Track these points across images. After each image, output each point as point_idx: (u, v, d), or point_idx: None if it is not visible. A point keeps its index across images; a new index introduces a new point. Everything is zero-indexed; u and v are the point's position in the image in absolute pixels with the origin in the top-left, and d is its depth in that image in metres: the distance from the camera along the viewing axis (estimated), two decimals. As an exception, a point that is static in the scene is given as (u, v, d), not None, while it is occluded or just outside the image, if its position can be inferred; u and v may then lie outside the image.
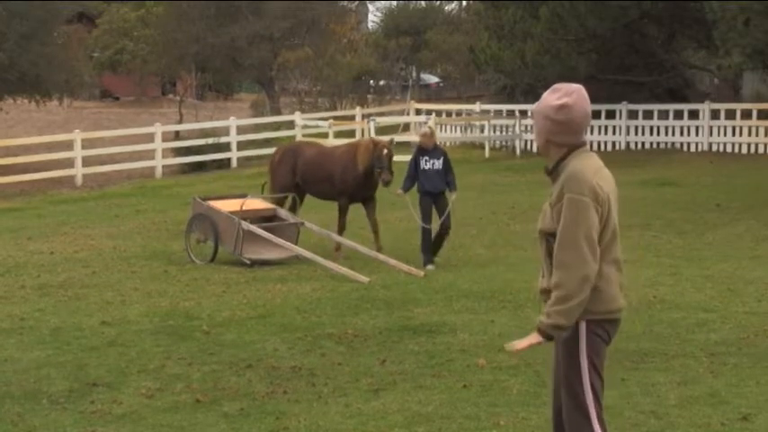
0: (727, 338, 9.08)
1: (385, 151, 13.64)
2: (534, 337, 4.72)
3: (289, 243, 13.66)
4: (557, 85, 4.82)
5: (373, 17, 61.75)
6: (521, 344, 4.74)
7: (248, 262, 13.45)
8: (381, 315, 10.42)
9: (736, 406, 7.14)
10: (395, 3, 57.89)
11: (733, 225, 15.94)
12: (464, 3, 53.48)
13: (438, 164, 13.20)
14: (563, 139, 4.78)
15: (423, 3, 57.96)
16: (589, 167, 4.72)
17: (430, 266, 12.97)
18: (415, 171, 13.27)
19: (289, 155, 14.82)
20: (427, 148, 13.31)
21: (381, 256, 13.13)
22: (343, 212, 14.32)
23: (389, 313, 10.48)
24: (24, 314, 10.74)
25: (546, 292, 4.78)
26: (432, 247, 13.23)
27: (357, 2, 50.87)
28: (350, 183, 14.05)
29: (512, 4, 29.20)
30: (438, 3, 58.17)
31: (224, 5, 39.44)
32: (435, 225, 13.22)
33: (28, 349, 9.27)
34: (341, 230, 14.26)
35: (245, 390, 7.86)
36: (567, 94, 4.76)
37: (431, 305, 10.84)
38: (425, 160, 13.19)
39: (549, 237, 4.75)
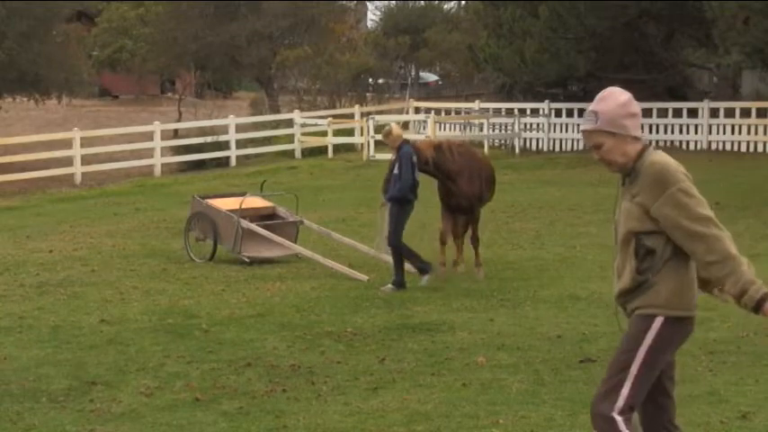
0: (726, 337, 9.08)
1: None
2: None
3: (288, 241, 13.66)
4: (602, 93, 4.83)
5: (372, 16, 61.85)
6: None
7: (247, 260, 13.45)
8: (381, 313, 10.42)
9: (736, 404, 7.14)
10: (394, 2, 57.91)
11: (732, 223, 15.86)
12: (463, 2, 53.46)
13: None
14: (639, 132, 4.79)
15: (422, 2, 57.98)
16: (671, 159, 4.72)
17: (424, 278, 11.92)
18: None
19: None
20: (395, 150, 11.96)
21: (381, 255, 13.09)
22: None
23: (389, 312, 10.48)
24: (23, 312, 10.74)
25: (625, 294, 4.72)
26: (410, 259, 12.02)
27: (356, 1, 50.84)
28: None
29: (511, 3, 29.22)
30: (437, 1, 58.19)
31: (223, 4, 39.43)
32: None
33: (27, 348, 9.26)
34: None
35: (244, 388, 7.85)
36: (621, 91, 4.83)
37: (430, 304, 10.84)
38: (395, 163, 11.91)
39: (640, 235, 4.67)
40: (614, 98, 4.79)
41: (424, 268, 11.91)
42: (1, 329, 9.99)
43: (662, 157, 4.72)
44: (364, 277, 12.15)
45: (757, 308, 4.51)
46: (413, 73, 53.36)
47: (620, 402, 4.62)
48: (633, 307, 4.71)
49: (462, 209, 12.52)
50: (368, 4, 59.63)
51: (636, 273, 4.68)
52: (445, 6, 57.76)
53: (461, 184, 12.31)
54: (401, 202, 11.78)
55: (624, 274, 4.74)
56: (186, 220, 14.34)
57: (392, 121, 31.28)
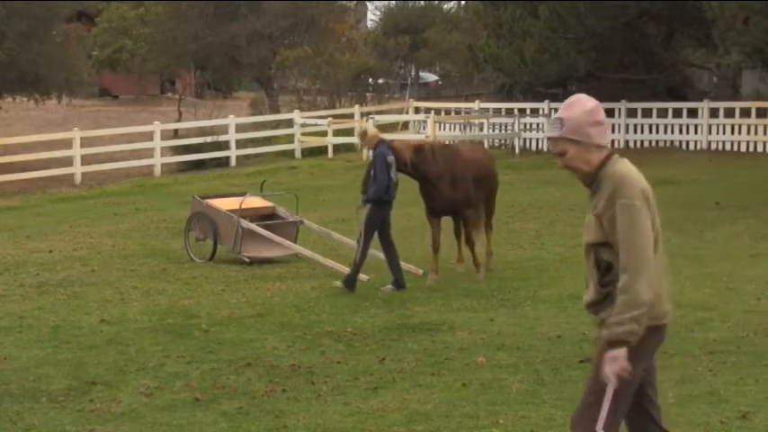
0: (726, 337, 9.08)
1: None
2: (617, 353, 4.49)
3: (288, 241, 13.66)
4: (569, 100, 4.77)
5: (372, 16, 61.84)
6: (605, 369, 4.53)
7: (247, 260, 13.45)
8: (380, 313, 10.42)
9: (736, 404, 7.14)
10: (394, 2, 57.90)
11: (732, 223, 15.93)
12: (463, 2, 53.46)
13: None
14: (606, 140, 4.74)
15: (422, 2, 57.98)
16: (633, 171, 4.68)
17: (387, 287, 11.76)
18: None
19: None
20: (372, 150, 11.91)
21: (381, 255, 13.09)
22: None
23: (389, 311, 10.48)
24: (23, 312, 10.74)
25: (593, 305, 4.72)
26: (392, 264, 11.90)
27: (356, 1, 50.84)
28: None
29: (511, 3, 29.21)
30: (437, 1, 58.19)
31: (223, 4, 39.43)
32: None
33: (27, 347, 9.27)
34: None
35: (244, 388, 7.86)
36: (588, 98, 4.75)
37: (430, 304, 10.84)
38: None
39: (597, 248, 4.66)
40: (581, 105, 4.71)
41: (350, 281, 11.67)
42: (1, 329, 9.99)
43: (624, 168, 4.68)
44: (364, 277, 12.14)
45: (610, 344, 4.52)
46: (413, 73, 53.35)
47: (602, 419, 4.61)
48: (602, 318, 4.69)
49: (445, 212, 12.41)
50: (368, 4, 59.66)
51: (599, 285, 4.68)
52: (445, 6, 57.79)
53: (442, 187, 12.12)
54: (377, 204, 11.72)
55: (590, 286, 4.74)
56: (186, 220, 14.34)
57: (393, 120, 31.42)
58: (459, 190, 12.21)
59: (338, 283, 11.64)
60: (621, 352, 4.50)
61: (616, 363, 4.50)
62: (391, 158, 11.71)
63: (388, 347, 9.04)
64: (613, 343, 4.52)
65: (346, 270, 12.35)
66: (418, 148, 12.25)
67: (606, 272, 4.65)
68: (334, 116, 31.32)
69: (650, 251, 4.56)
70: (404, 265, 12.64)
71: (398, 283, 11.63)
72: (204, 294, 11.60)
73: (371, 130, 12.21)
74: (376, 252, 12.68)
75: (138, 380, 8.14)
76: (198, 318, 10.38)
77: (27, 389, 7.94)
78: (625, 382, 4.57)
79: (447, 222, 13.08)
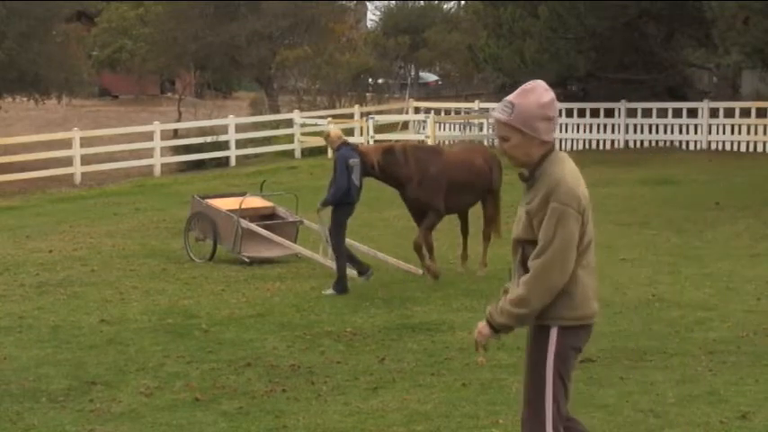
0: (726, 337, 9.08)
1: None
2: (485, 328, 4.67)
3: (288, 241, 13.66)
4: (526, 86, 4.65)
5: (372, 16, 61.85)
6: (479, 340, 4.72)
7: (247, 260, 13.45)
8: (380, 313, 10.42)
9: (736, 404, 7.14)
10: (394, 2, 57.90)
11: (732, 223, 15.93)
12: (462, 2, 53.46)
13: None
14: (551, 136, 4.66)
15: (422, 2, 57.98)
16: (571, 173, 4.62)
17: (353, 274, 11.92)
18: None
19: None
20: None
21: (380, 255, 13.10)
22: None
23: (388, 311, 10.48)
24: (23, 312, 10.74)
25: None
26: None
27: (356, 1, 50.85)
28: None
29: (510, 3, 29.20)
30: (437, 1, 58.18)
31: (223, 4, 39.44)
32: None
33: (27, 347, 9.27)
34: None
35: (243, 388, 7.85)
36: (545, 90, 4.65)
37: (430, 303, 10.84)
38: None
39: (525, 244, 4.63)
40: (536, 96, 4.61)
41: (361, 270, 11.95)
42: (1, 329, 9.99)
43: (561, 170, 4.61)
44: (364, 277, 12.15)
45: (489, 323, 4.66)
46: (412, 73, 53.35)
47: (549, 421, 4.65)
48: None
49: (415, 213, 12.27)
50: (368, 4, 59.68)
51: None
52: (445, 6, 57.77)
53: (409, 188, 12.02)
54: (337, 206, 11.69)
55: (516, 283, 4.68)
56: (186, 220, 14.34)
57: (392, 120, 31.43)
58: (425, 189, 11.99)
59: (330, 291, 11.54)
60: (487, 328, 4.66)
61: (480, 334, 4.69)
62: (354, 161, 11.64)
63: (388, 347, 9.04)
64: (490, 324, 4.65)
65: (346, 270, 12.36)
66: (388, 150, 12.15)
67: None
68: (334, 116, 31.31)
69: (564, 261, 4.51)
70: (403, 265, 12.66)
71: (341, 288, 11.51)
72: (204, 294, 11.61)
73: (334, 131, 12.18)
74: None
75: (138, 380, 8.13)
76: (198, 318, 10.38)
77: (27, 389, 7.94)
78: (561, 375, 4.63)
79: (446, 223, 13.09)
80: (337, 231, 11.79)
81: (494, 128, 4.78)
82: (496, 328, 4.65)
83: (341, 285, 11.57)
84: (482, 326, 4.69)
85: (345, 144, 11.87)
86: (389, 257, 12.98)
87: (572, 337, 4.65)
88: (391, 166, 12.00)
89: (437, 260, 12.26)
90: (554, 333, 4.62)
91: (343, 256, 11.79)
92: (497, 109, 4.69)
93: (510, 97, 4.66)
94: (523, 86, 4.67)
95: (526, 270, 4.60)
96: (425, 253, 12.06)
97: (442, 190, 12.04)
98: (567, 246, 4.52)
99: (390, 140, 24.09)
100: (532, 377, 4.69)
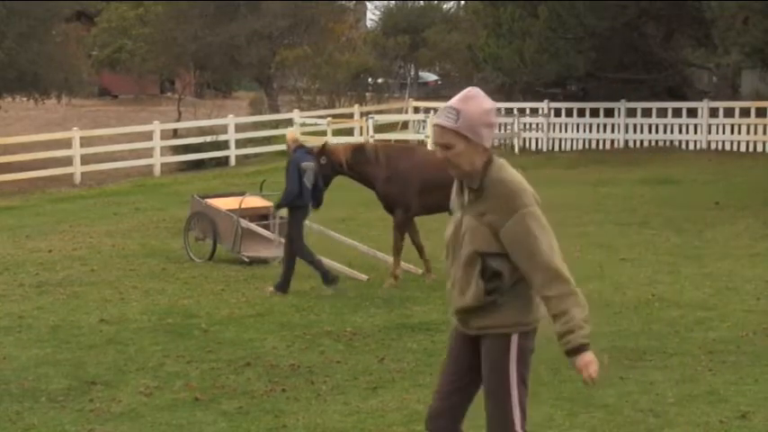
0: (725, 336, 9.09)
1: None
2: (592, 360, 4.60)
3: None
4: (467, 92, 4.59)
5: (372, 15, 61.80)
6: (594, 374, 4.62)
7: (247, 260, 13.45)
8: (380, 313, 10.42)
9: (735, 404, 7.15)
10: (393, 2, 57.88)
11: (732, 223, 15.93)
12: (462, 2, 53.44)
13: None
14: (490, 143, 4.62)
15: (421, 1, 57.94)
16: (517, 175, 4.62)
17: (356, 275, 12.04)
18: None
19: None
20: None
21: (380, 254, 13.09)
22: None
23: (388, 311, 10.49)
24: (23, 312, 10.74)
25: (469, 312, 4.66)
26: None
27: (356, 1, 50.84)
28: None
29: (510, 3, 29.20)
30: (436, 1, 58.15)
31: (223, 4, 39.43)
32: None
33: (27, 347, 9.27)
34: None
35: (243, 388, 7.86)
36: (485, 96, 4.61)
37: (429, 303, 10.84)
38: None
39: (486, 256, 4.56)
40: (479, 102, 4.56)
41: (326, 276, 11.61)
42: (0, 329, 9.99)
43: (512, 175, 4.59)
44: (364, 277, 12.15)
45: (572, 353, 4.59)
46: (412, 73, 53.33)
47: (518, 424, 4.69)
48: (481, 325, 4.67)
49: (387, 210, 12.22)
50: (367, 3, 59.62)
51: (483, 294, 4.60)
52: (444, 6, 57.70)
53: (378, 185, 11.98)
54: (291, 209, 11.69)
55: (468, 293, 4.63)
56: (186, 219, 14.34)
57: (392, 120, 31.42)
58: (393, 186, 11.89)
59: (270, 288, 11.51)
60: (590, 354, 4.59)
61: (593, 364, 4.58)
62: (306, 164, 11.64)
63: (388, 347, 9.05)
64: (579, 349, 4.58)
65: (345, 270, 12.36)
66: (358, 149, 12.21)
67: (492, 279, 4.58)
68: (334, 116, 31.32)
69: (555, 249, 4.58)
70: (403, 264, 12.63)
71: (282, 287, 11.48)
72: (204, 294, 11.60)
73: (289, 135, 12.21)
74: (372, 251, 12.68)
75: (138, 380, 8.14)
76: (197, 317, 10.38)
77: (27, 388, 7.94)
78: (522, 380, 4.67)
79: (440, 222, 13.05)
80: (297, 234, 11.71)
81: (433, 136, 4.65)
82: (587, 343, 4.63)
83: (283, 284, 11.44)
84: (589, 358, 4.60)
85: (301, 147, 11.91)
86: (389, 257, 12.97)
87: (529, 341, 4.73)
88: (361, 164, 12.00)
89: (431, 260, 12.17)
90: (515, 339, 4.65)
91: (310, 255, 11.68)
92: (440, 116, 4.59)
93: (452, 103, 4.59)
94: (464, 93, 4.61)
95: (485, 280, 4.57)
96: (395, 256, 11.97)
97: (412, 187, 11.87)
98: (551, 236, 4.60)
99: (390, 140, 24.12)
100: (496, 386, 4.69)
